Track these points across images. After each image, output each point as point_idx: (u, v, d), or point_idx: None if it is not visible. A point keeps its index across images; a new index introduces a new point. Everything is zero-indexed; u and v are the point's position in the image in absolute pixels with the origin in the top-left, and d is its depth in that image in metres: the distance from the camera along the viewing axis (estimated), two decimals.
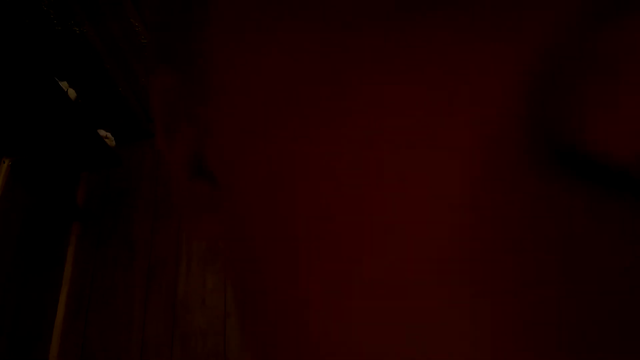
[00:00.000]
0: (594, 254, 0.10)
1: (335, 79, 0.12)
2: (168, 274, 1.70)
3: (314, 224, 0.12)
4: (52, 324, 1.66)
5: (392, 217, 0.11)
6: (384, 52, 0.11)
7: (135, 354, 1.59)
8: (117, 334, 1.63)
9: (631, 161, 0.09)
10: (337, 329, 0.12)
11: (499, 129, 0.11)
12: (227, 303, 1.61)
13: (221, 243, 0.17)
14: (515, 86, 0.10)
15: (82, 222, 1.86)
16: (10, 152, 1.54)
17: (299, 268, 0.13)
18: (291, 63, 0.12)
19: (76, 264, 1.79)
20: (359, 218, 0.11)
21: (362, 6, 0.12)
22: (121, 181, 1.93)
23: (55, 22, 1.56)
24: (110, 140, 1.93)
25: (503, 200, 0.10)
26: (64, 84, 1.73)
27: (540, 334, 0.10)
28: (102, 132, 1.90)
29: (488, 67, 0.11)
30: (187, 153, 0.18)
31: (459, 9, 0.11)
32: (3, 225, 1.49)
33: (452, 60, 0.11)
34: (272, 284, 0.14)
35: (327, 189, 0.12)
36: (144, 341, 1.61)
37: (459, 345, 0.11)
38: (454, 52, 0.11)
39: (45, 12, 1.54)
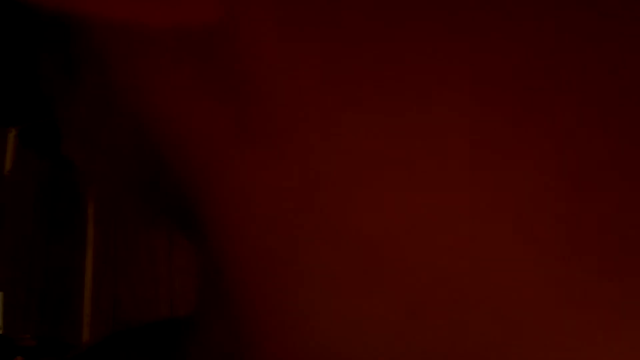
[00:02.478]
0: None
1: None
2: None
3: None
4: (83, 284, 1.70)
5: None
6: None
7: (165, 308, 1.63)
8: (146, 290, 1.66)
9: None
10: None
11: None
12: None
13: None
14: None
15: None
16: (15, 121, 1.52)
17: None
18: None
19: (98, 225, 1.80)
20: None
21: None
22: None
23: None
24: None
25: None
26: None
27: None
28: None
29: None
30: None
31: None
32: (19, 193, 1.51)
33: None
34: None
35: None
36: (172, 295, 1.63)
37: None
38: None
39: None
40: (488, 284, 0.11)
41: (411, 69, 0.10)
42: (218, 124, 0.12)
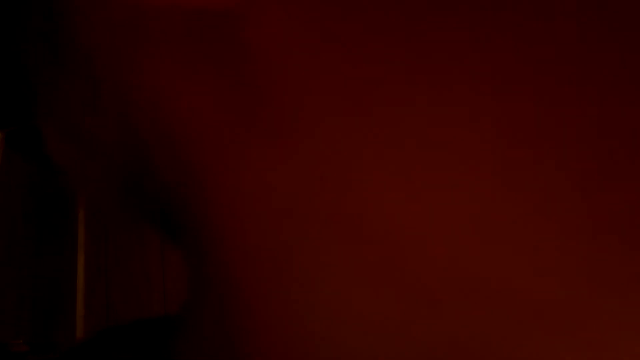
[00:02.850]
0: None
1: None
2: None
3: None
4: (75, 288, 1.70)
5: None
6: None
7: (159, 307, 1.63)
8: (139, 293, 1.67)
9: None
10: None
11: None
12: None
13: None
14: None
15: None
16: (2, 124, 1.52)
17: None
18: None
19: (89, 227, 1.80)
20: None
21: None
22: None
23: None
24: None
25: None
26: None
27: None
28: None
29: None
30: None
31: None
32: (6, 198, 1.50)
33: None
34: None
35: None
36: (165, 298, 1.64)
37: None
38: None
39: None
40: (492, 282, 0.11)
41: (422, 64, 0.10)
42: (222, 121, 0.12)
